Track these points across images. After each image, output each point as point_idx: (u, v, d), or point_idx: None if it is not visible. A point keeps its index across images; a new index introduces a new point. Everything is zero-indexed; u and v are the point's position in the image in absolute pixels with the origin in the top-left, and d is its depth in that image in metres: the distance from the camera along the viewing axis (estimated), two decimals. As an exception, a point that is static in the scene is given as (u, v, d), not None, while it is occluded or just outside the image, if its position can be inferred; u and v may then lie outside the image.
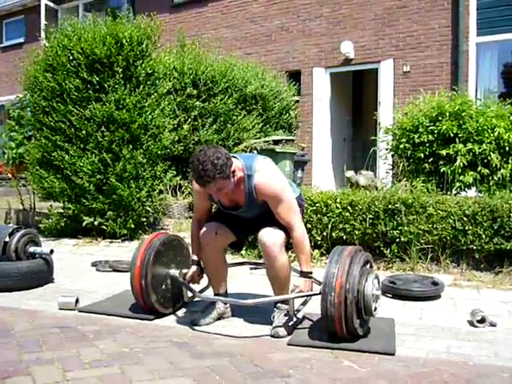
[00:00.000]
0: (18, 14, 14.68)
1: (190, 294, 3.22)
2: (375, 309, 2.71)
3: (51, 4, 13.11)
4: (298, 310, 3.01)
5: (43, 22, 10.86)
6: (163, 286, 3.17)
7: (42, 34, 6.60)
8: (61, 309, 3.35)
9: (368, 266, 2.82)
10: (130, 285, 3.13)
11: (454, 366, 2.43)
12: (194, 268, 3.17)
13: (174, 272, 3.21)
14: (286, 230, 2.91)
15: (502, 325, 3.01)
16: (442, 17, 8.51)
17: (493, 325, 2.99)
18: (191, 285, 3.18)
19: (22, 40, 14.07)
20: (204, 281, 3.31)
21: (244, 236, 3.31)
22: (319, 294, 2.70)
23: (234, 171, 2.78)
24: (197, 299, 3.43)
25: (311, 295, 2.93)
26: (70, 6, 13.03)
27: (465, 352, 2.61)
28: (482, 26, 8.26)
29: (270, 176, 2.86)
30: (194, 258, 3.19)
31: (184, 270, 3.21)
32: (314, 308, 3.31)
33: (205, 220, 3.14)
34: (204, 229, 3.05)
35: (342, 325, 2.59)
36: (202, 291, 3.30)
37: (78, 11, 12.91)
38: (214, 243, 3.04)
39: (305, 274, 2.91)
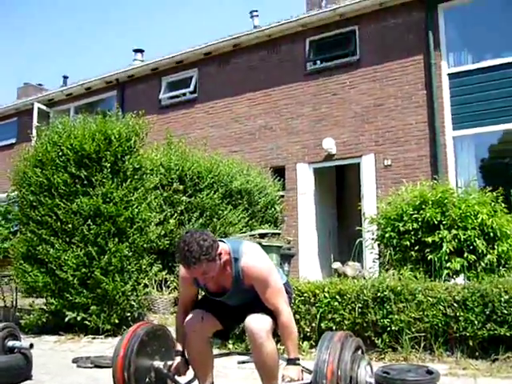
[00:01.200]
0: (11, 117, 15.15)
1: None
2: None
3: (43, 107, 13.58)
4: None
5: (35, 123, 11.16)
6: (147, 379, 3.01)
7: (34, 133, 6.77)
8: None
9: (359, 351, 2.73)
10: (111, 377, 2.97)
11: None
12: (178, 359, 3.02)
13: (159, 364, 3.07)
14: (274, 316, 2.84)
15: (503, 413, 2.89)
16: (418, 113, 8.94)
17: (493, 413, 2.87)
18: (176, 377, 3.03)
19: (13, 141, 14.40)
20: (190, 373, 3.16)
21: (230, 325, 3.20)
22: (310, 383, 2.58)
23: (220, 253, 2.73)
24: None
25: None
26: (61, 109, 13.49)
27: None
28: (456, 120, 8.69)
29: (257, 259, 2.82)
30: (179, 348, 3.05)
31: (169, 362, 3.06)
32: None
33: (190, 308, 3.05)
34: (189, 315, 2.97)
35: None
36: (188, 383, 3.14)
37: (69, 114, 13.37)
38: (200, 330, 2.93)
39: (293, 361, 2.79)
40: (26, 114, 14.02)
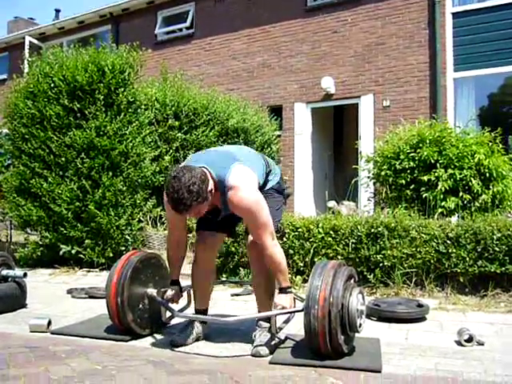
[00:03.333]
0: (1, 51, 14.76)
1: (168, 314, 3.10)
2: (360, 325, 2.62)
3: (35, 41, 13.20)
4: (281, 328, 2.89)
5: (27, 57, 10.89)
6: (140, 306, 3.05)
7: (26, 67, 6.58)
8: (32, 331, 3.19)
9: (352, 280, 2.75)
10: (105, 303, 3.00)
11: (442, 382, 2.35)
12: (173, 287, 3.06)
13: (152, 291, 3.09)
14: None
15: (490, 344, 2.94)
16: (419, 53, 8.73)
17: (480, 344, 2.92)
18: (170, 304, 3.06)
19: (5, 76, 14.07)
20: (182, 301, 3.20)
21: (233, 226, 3.22)
22: (302, 310, 2.60)
23: (211, 190, 2.66)
24: (175, 321, 3.32)
25: (294, 312, 2.82)
26: (53, 44, 13.11)
27: (453, 369, 2.52)
28: (458, 61, 8.49)
29: (243, 193, 2.67)
30: (174, 277, 3.09)
31: (162, 289, 3.09)
32: (297, 329, 3.22)
33: (183, 238, 3.04)
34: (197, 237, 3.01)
35: (326, 340, 2.49)
36: (180, 311, 3.18)
37: (62, 49, 13.01)
38: (210, 244, 3.00)
39: (284, 290, 2.81)
40: (18, 48, 13.61)
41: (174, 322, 3.35)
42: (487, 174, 5.21)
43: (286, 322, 2.96)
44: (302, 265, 4.63)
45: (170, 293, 3.04)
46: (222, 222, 2.97)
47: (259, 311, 2.96)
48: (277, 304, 2.80)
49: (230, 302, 4.21)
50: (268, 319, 2.87)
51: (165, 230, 6.78)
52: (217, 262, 5.00)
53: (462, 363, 2.61)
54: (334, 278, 2.57)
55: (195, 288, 3.10)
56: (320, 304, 2.48)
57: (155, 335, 3.14)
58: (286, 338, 2.98)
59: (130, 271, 2.96)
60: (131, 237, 5.93)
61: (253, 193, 2.72)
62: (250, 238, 2.88)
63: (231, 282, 3.79)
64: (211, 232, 3.00)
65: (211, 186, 2.67)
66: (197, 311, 3.09)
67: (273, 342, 2.81)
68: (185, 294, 3.24)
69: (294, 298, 2.90)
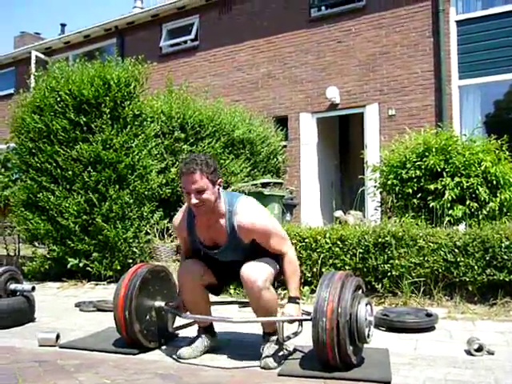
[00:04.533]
0: (8, 66, 14.91)
1: (174, 325, 3.09)
2: (368, 335, 2.61)
3: (41, 56, 13.32)
4: (289, 338, 2.85)
5: (33, 72, 11.02)
6: (147, 317, 3.05)
7: (32, 81, 6.65)
8: (41, 345, 3.19)
9: (360, 291, 2.73)
10: (113, 316, 3.00)
11: (452, 392, 2.33)
12: (180, 299, 3.05)
13: (160, 304, 3.10)
14: (275, 264, 2.83)
15: (500, 353, 2.91)
16: (424, 61, 8.74)
17: (490, 353, 2.89)
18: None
19: (12, 91, 14.18)
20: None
21: (225, 282, 3.16)
22: (310, 319, 2.59)
23: (219, 184, 2.74)
24: (183, 334, 3.31)
25: (302, 320, 2.81)
26: (59, 58, 13.24)
27: (463, 379, 2.50)
28: (463, 69, 8.49)
29: (253, 216, 2.76)
30: None
31: (170, 303, 3.10)
32: (305, 340, 3.21)
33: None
34: (186, 265, 2.96)
35: (335, 351, 2.48)
36: (189, 325, 3.17)
37: (68, 63, 13.12)
38: (198, 281, 2.93)
39: (293, 300, 2.81)
40: (24, 63, 13.76)
41: (181, 334, 3.35)
42: (494, 182, 5.19)
43: (295, 334, 2.92)
44: (309, 275, 4.62)
45: (177, 303, 3.03)
46: (220, 268, 2.96)
47: (264, 330, 2.93)
48: (284, 313, 2.78)
49: (238, 313, 4.19)
50: (275, 332, 2.85)
51: (172, 241, 6.79)
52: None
53: (472, 373, 2.59)
54: (341, 288, 2.56)
55: (191, 309, 3.02)
56: (328, 316, 2.47)
57: (163, 348, 3.13)
58: (295, 350, 2.97)
59: (139, 282, 2.97)
60: (138, 249, 5.94)
61: (262, 212, 2.83)
62: (245, 273, 2.75)
63: (239, 303, 3.77)
64: (199, 261, 2.94)
65: (220, 192, 2.75)
66: (200, 328, 3.07)
67: (281, 354, 2.80)
68: None
69: (302, 313, 2.88)
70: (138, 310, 2.95)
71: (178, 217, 2.98)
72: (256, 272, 2.71)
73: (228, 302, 3.87)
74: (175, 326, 3.16)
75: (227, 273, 3.00)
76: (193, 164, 2.66)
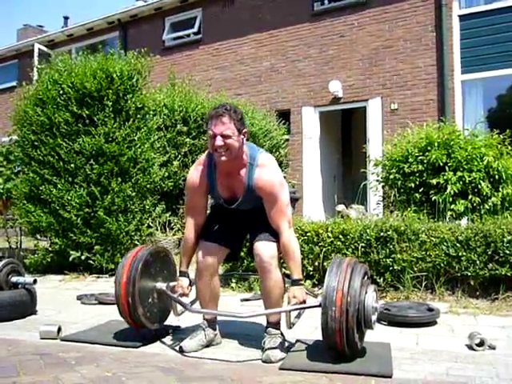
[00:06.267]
0: (11, 59, 14.89)
1: (179, 309, 3.08)
2: (374, 321, 2.65)
3: (44, 48, 13.30)
4: (294, 324, 2.87)
5: (36, 64, 11.02)
6: (150, 300, 3.04)
7: (35, 74, 6.64)
8: (42, 338, 3.20)
9: (366, 277, 2.74)
10: (115, 299, 3.00)
11: (454, 387, 2.33)
12: (183, 279, 3.02)
13: (161, 285, 3.09)
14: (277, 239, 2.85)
15: (502, 348, 2.91)
16: (427, 56, 8.71)
17: (492, 348, 2.89)
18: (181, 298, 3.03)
19: (14, 83, 14.18)
20: (192, 294, 3.17)
21: (238, 245, 3.17)
22: (319, 306, 2.62)
23: (244, 133, 2.79)
24: (184, 325, 3.32)
25: (310, 307, 2.82)
26: (62, 51, 13.22)
27: (465, 374, 2.50)
28: (466, 64, 8.46)
29: (272, 173, 2.84)
30: (183, 269, 3.03)
31: (171, 284, 3.09)
32: (307, 333, 3.22)
33: (200, 224, 3.01)
34: (200, 251, 2.95)
35: (343, 338, 2.51)
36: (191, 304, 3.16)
37: (71, 56, 13.10)
38: (212, 264, 2.94)
39: (297, 282, 2.81)
40: (27, 55, 13.76)
41: (183, 325, 3.37)
42: (496, 177, 5.18)
43: (298, 316, 2.95)
44: (311, 269, 4.61)
45: (180, 285, 3.00)
46: (231, 232, 2.98)
47: (267, 318, 2.94)
48: (290, 297, 2.79)
49: (240, 307, 4.20)
50: (278, 325, 2.88)
51: (174, 235, 6.80)
52: (226, 267, 5.01)
53: (474, 368, 2.58)
54: (350, 276, 2.58)
55: (201, 299, 3.06)
56: (337, 305, 2.49)
57: (165, 341, 3.14)
58: (296, 342, 2.98)
59: (141, 265, 2.95)
60: (140, 242, 5.93)
61: (280, 173, 2.90)
62: (261, 250, 2.82)
63: (240, 275, 3.78)
64: (214, 245, 2.95)
65: (245, 132, 2.79)
66: (203, 321, 3.06)
67: (283, 347, 2.80)
68: (194, 287, 3.19)
69: (306, 293, 2.90)
70: (140, 294, 2.94)
71: (195, 171, 2.96)
72: (270, 249, 2.81)
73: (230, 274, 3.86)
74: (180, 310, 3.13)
75: (239, 233, 3.06)
76: (222, 108, 2.74)
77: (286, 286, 2.92)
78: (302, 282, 2.87)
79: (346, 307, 2.48)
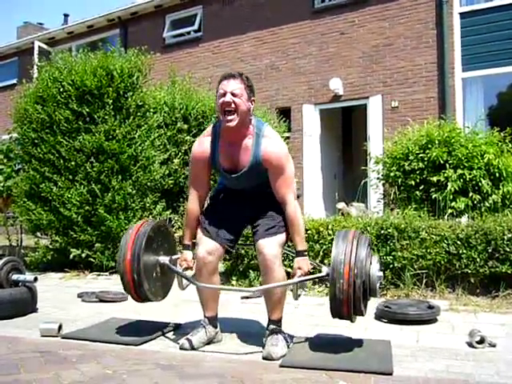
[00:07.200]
0: (11, 56, 14.89)
1: (184, 282, 3.07)
2: (378, 290, 2.74)
3: (44, 46, 13.30)
4: (299, 295, 2.91)
5: (36, 62, 11.04)
6: (154, 275, 3.04)
7: (35, 71, 6.64)
8: (43, 336, 3.20)
9: (369, 248, 2.78)
10: (119, 276, 3.00)
11: (454, 384, 2.33)
12: (186, 252, 3.01)
13: (164, 259, 3.08)
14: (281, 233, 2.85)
15: (502, 345, 2.91)
16: (427, 53, 8.71)
17: (492, 345, 2.89)
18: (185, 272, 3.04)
19: (15, 81, 14.18)
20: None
21: (236, 240, 3.13)
22: (326, 276, 2.72)
23: (252, 101, 2.83)
24: (185, 322, 3.32)
25: (317, 277, 2.85)
26: (62, 48, 13.22)
27: (465, 371, 2.50)
28: (466, 61, 8.46)
29: (279, 145, 2.86)
30: (187, 241, 3.02)
31: (174, 257, 3.10)
32: (307, 331, 3.22)
33: (203, 197, 3.01)
34: (200, 247, 2.92)
35: (350, 308, 2.61)
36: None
37: (71, 53, 13.08)
38: (211, 261, 2.92)
39: (301, 253, 2.84)
40: (27, 53, 13.76)
41: (184, 323, 3.37)
42: (497, 174, 5.19)
43: (302, 287, 2.98)
44: (311, 267, 4.61)
45: (184, 257, 3.00)
46: (229, 226, 2.96)
47: (269, 312, 2.94)
48: (295, 269, 2.82)
49: (240, 305, 4.21)
50: (278, 323, 2.89)
51: (175, 232, 6.78)
52: (226, 264, 5.01)
53: (474, 365, 2.59)
54: (356, 249, 2.63)
55: (201, 297, 3.05)
56: (345, 278, 2.56)
57: (165, 338, 3.14)
58: (297, 339, 2.98)
59: (145, 241, 2.94)
60: (141, 240, 5.93)
61: (285, 147, 2.93)
62: (265, 249, 2.81)
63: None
64: (213, 243, 2.91)
65: (252, 100, 2.83)
66: (204, 318, 3.05)
67: (283, 345, 2.80)
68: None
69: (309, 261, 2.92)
70: (145, 269, 2.94)
71: (199, 142, 2.99)
72: (273, 248, 2.79)
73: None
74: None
75: (238, 222, 3.02)
76: (232, 73, 2.84)
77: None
78: (306, 253, 2.89)
79: (353, 279, 2.56)
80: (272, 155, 2.79)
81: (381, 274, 2.75)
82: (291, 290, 2.99)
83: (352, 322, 2.73)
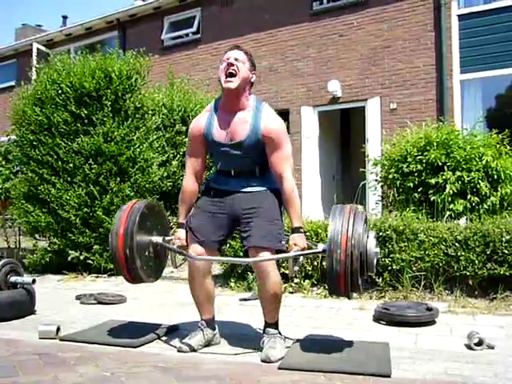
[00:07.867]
0: (9, 58, 14.88)
1: (178, 262, 3.07)
2: (375, 266, 2.72)
3: (43, 48, 13.29)
4: (295, 271, 2.91)
5: (35, 64, 11.04)
6: (146, 253, 2.99)
7: (33, 73, 6.64)
8: (41, 338, 3.20)
9: (366, 224, 2.76)
10: (112, 253, 2.94)
11: (452, 386, 2.33)
12: (180, 231, 2.97)
13: (157, 239, 3.04)
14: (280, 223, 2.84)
15: (500, 347, 2.91)
16: (426, 56, 8.72)
17: (491, 347, 2.89)
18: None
19: (13, 83, 14.16)
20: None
21: (226, 241, 3.15)
22: (322, 252, 2.68)
23: (253, 74, 2.89)
24: (184, 325, 3.32)
25: (313, 253, 2.81)
26: (61, 50, 13.22)
27: (463, 373, 2.50)
28: (464, 63, 8.47)
29: (278, 121, 2.88)
30: (181, 220, 2.98)
31: (167, 238, 3.07)
32: (305, 333, 3.22)
33: (200, 174, 2.99)
34: (191, 251, 2.91)
35: (347, 282, 2.54)
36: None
37: (70, 55, 13.08)
38: (203, 265, 2.92)
39: (297, 230, 2.79)
40: (25, 55, 13.74)
41: (182, 325, 3.37)
42: (495, 176, 5.19)
43: (297, 264, 2.93)
44: (309, 269, 4.62)
45: (178, 236, 2.96)
46: (219, 227, 2.92)
47: (266, 317, 2.93)
48: (291, 245, 2.79)
49: (239, 306, 4.21)
50: (276, 325, 2.88)
51: (173, 234, 6.79)
52: (225, 266, 5.01)
53: (472, 367, 2.59)
54: (354, 221, 2.59)
55: (196, 301, 3.04)
56: (342, 248, 2.51)
57: (163, 341, 3.13)
58: (295, 342, 2.98)
59: (139, 217, 2.89)
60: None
61: (284, 125, 2.96)
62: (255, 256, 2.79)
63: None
64: (204, 249, 2.88)
65: (254, 73, 2.91)
66: (202, 321, 3.04)
67: (281, 347, 2.80)
68: None
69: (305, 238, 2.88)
70: (138, 247, 2.89)
71: (197, 117, 3.01)
72: (266, 254, 2.75)
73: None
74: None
75: (228, 228, 2.96)
76: (237, 45, 2.93)
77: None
78: (302, 230, 2.84)
79: (350, 250, 2.51)
80: (272, 131, 2.80)
81: (378, 250, 2.73)
82: (287, 263, 2.94)
83: (349, 298, 2.71)
